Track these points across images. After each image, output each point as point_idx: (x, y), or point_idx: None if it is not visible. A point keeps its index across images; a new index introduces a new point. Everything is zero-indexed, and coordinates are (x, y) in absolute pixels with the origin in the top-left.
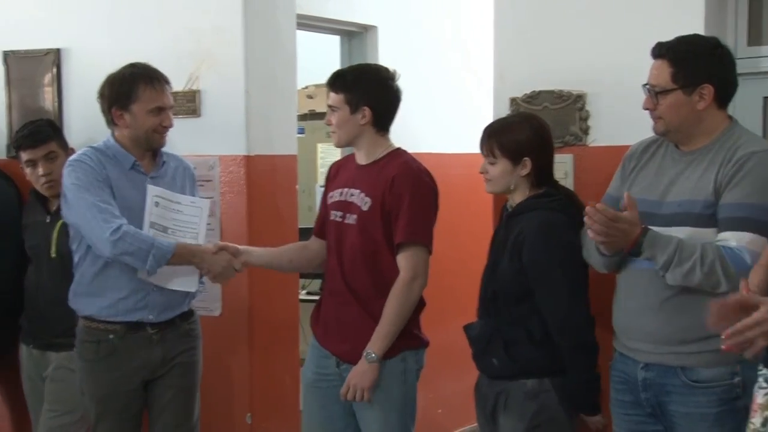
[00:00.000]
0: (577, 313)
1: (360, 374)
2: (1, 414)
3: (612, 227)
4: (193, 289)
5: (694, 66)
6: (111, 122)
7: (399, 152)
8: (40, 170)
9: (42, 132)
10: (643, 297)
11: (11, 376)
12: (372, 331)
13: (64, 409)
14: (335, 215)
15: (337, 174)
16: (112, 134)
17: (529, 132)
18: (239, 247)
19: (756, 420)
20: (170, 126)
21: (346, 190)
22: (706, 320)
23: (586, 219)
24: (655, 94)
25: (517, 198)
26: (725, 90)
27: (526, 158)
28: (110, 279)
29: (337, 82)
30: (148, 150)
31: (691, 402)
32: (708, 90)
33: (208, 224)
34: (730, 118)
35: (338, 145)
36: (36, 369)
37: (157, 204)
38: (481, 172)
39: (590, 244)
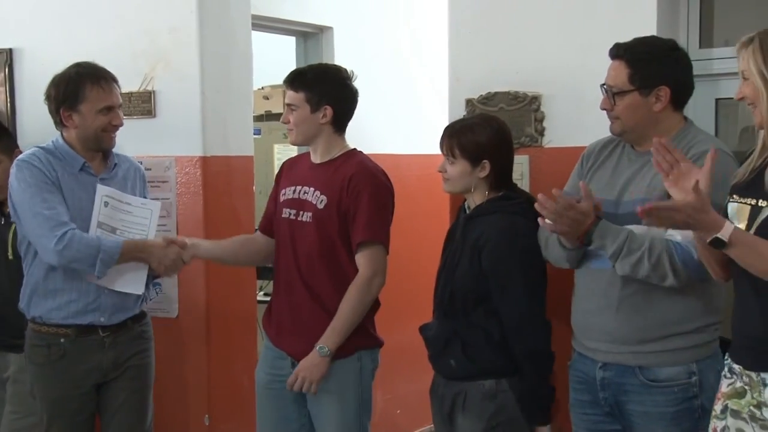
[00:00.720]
0: (534, 319)
1: (310, 367)
2: None
3: (564, 215)
4: (140, 291)
5: (651, 68)
6: (59, 123)
7: (354, 152)
8: None
9: None
10: (602, 297)
11: None
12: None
13: (28, 410)
14: (288, 213)
15: (289, 172)
16: (61, 135)
17: (490, 134)
18: (187, 240)
19: (717, 407)
20: (120, 125)
21: (299, 188)
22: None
23: (537, 206)
24: (612, 94)
25: (476, 199)
26: (681, 92)
27: (485, 160)
28: (60, 281)
29: (297, 80)
30: (98, 151)
31: (649, 401)
32: (664, 92)
33: (164, 225)
34: (686, 119)
35: (294, 144)
36: None
37: (106, 204)
38: (440, 171)
39: (551, 239)
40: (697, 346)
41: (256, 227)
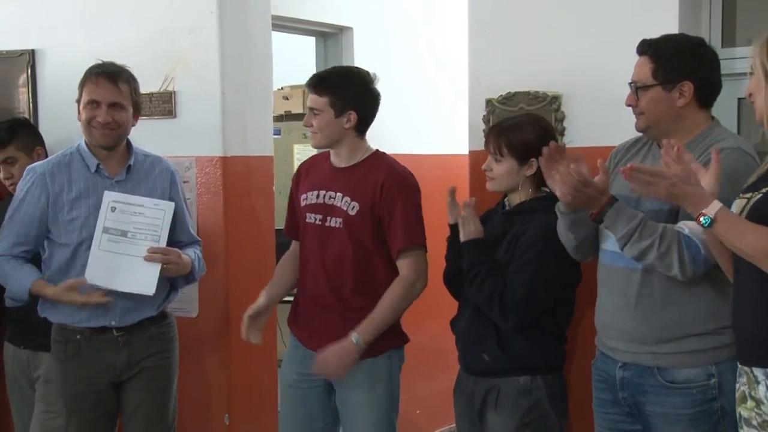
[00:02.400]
0: (531, 300)
1: (341, 353)
2: None
3: (581, 191)
4: (150, 292)
5: (674, 63)
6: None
7: (379, 155)
8: (1, 174)
9: None
10: (620, 295)
11: None
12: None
13: (60, 410)
14: (314, 218)
15: (308, 174)
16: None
17: (538, 132)
18: (249, 312)
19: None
20: (104, 122)
21: (323, 192)
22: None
23: (558, 178)
24: (636, 89)
25: (520, 197)
26: (706, 89)
27: (533, 159)
28: None
29: (321, 84)
30: (101, 148)
31: (667, 402)
32: (688, 87)
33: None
34: (713, 118)
35: (318, 147)
36: (22, 370)
37: (113, 209)
38: (485, 170)
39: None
40: (717, 348)
41: (277, 227)
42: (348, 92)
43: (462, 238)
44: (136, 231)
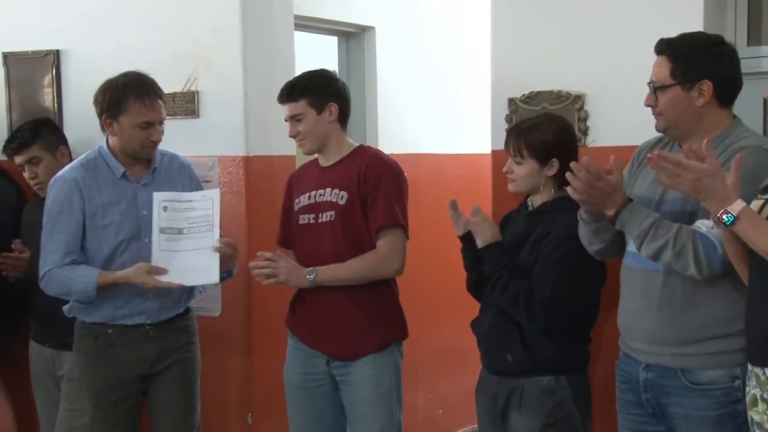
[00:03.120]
0: (558, 300)
1: (295, 270)
2: (4, 415)
3: (594, 186)
4: (215, 281)
5: (693, 62)
6: (103, 128)
7: (364, 147)
8: (26, 174)
9: (20, 138)
10: (642, 297)
11: (17, 378)
12: (362, 325)
13: (84, 408)
14: (306, 218)
15: (298, 183)
16: (106, 140)
17: (557, 132)
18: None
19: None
20: (158, 140)
21: (314, 192)
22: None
23: (568, 175)
24: (654, 90)
25: (542, 198)
26: (726, 87)
27: (553, 159)
28: (107, 290)
29: (294, 91)
30: (137, 160)
31: (691, 404)
32: (707, 86)
33: None
34: (734, 117)
35: (309, 152)
36: (47, 369)
37: (165, 209)
38: (506, 172)
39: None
40: (741, 350)
41: None
42: (321, 88)
43: (479, 244)
44: (191, 225)
